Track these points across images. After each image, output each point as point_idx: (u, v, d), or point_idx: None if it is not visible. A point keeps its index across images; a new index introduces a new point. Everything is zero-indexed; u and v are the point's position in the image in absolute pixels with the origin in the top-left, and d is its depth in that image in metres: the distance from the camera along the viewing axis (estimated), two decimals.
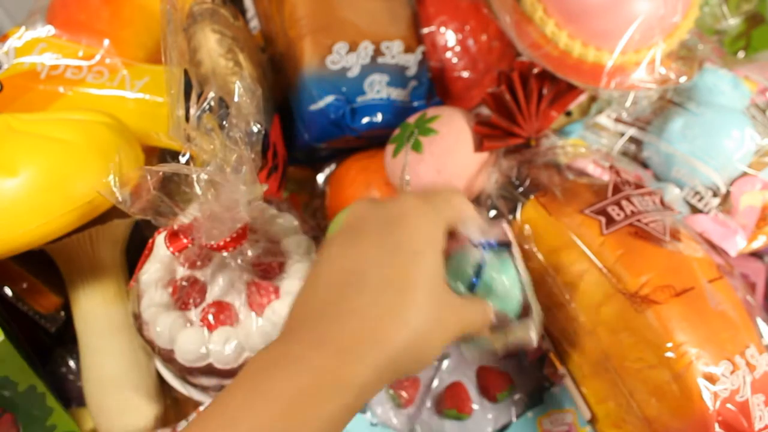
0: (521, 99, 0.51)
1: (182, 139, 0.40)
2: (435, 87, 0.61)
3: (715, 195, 0.53)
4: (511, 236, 0.41)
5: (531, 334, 0.40)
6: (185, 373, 0.48)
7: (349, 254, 0.32)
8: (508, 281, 0.39)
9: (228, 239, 0.42)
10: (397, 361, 0.30)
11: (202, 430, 0.29)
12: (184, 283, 0.47)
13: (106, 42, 0.56)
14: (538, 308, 0.41)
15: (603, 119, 0.59)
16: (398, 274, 0.31)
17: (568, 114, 0.62)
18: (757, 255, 0.58)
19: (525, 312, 0.40)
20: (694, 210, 0.54)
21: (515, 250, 0.41)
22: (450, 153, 0.52)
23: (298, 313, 0.32)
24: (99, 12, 0.57)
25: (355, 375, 0.29)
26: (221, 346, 0.45)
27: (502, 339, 0.40)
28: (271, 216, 0.50)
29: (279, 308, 0.45)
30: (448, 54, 0.62)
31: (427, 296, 0.31)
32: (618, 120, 0.59)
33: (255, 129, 0.41)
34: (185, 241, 0.42)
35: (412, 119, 0.54)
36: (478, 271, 0.38)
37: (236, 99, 0.40)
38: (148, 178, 0.38)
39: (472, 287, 0.38)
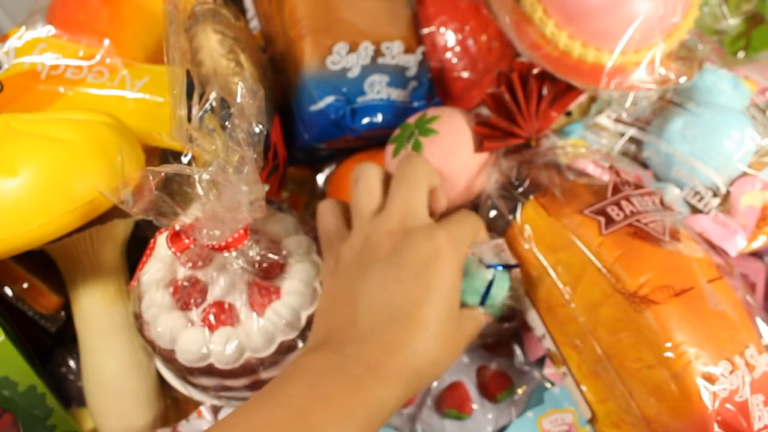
0: (521, 99, 0.51)
1: (185, 139, 0.40)
2: (435, 87, 0.61)
3: (715, 195, 0.53)
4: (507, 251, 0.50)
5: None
6: (186, 373, 0.48)
7: (392, 289, 0.38)
8: (504, 294, 0.47)
9: (229, 239, 0.42)
10: (418, 386, 0.37)
11: (271, 420, 0.33)
12: (185, 284, 0.47)
13: (106, 42, 0.56)
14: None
15: (603, 119, 0.59)
16: (433, 313, 0.37)
17: (568, 114, 0.62)
18: (757, 255, 0.58)
19: (509, 317, 0.50)
20: (694, 210, 0.54)
21: (516, 270, 0.49)
22: (450, 153, 0.52)
23: (340, 329, 0.38)
24: (99, 12, 0.57)
25: (392, 398, 0.35)
26: (222, 347, 0.45)
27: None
28: (272, 216, 0.50)
29: (280, 308, 0.45)
30: (448, 54, 0.62)
31: (450, 331, 0.38)
32: (618, 120, 0.59)
33: (257, 130, 0.41)
34: (187, 241, 0.42)
35: (412, 119, 0.54)
36: (488, 287, 0.46)
37: (238, 100, 0.41)
38: (150, 178, 0.38)
39: (482, 301, 0.46)
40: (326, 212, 0.44)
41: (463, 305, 0.48)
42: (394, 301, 0.37)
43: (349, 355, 0.36)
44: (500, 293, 0.47)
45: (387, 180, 0.43)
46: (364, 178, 0.42)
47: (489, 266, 0.47)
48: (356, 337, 0.37)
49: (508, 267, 0.48)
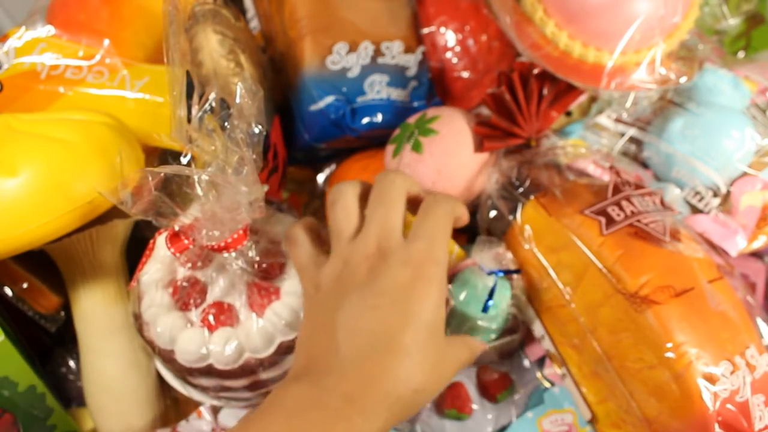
0: (521, 99, 0.51)
1: (184, 140, 0.40)
2: (435, 87, 0.61)
3: (715, 195, 0.53)
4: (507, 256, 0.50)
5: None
6: (185, 373, 0.48)
7: (370, 316, 0.36)
8: (507, 302, 0.48)
9: (229, 240, 0.42)
10: (402, 415, 0.36)
11: None
12: (184, 284, 0.47)
13: (106, 42, 0.56)
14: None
15: (603, 119, 0.59)
16: (415, 339, 0.36)
17: (568, 114, 0.62)
18: (757, 255, 0.58)
19: (513, 328, 0.50)
20: (695, 210, 0.54)
21: (517, 277, 0.49)
22: (450, 153, 0.52)
23: (321, 359, 0.37)
24: (99, 12, 0.57)
25: (373, 429, 0.34)
26: (221, 347, 0.45)
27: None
28: (272, 216, 0.50)
29: (279, 309, 0.45)
30: (448, 54, 0.62)
31: (435, 357, 0.37)
32: (618, 120, 0.59)
33: (256, 130, 0.41)
34: (186, 242, 0.42)
35: (412, 119, 0.54)
36: (491, 294, 0.46)
37: (238, 100, 0.40)
38: (150, 179, 0.38)
39: (485, 309, 0.47)
40: (297, 239, 0.42)
41: (466, 317, 0.48)
42: (374, 329, 0.36)
43: (327, 387, 0.35)
44: (503, 300, 0.47)
45: (365, 195, 0.42)
46: (341, 200, 0.41)
47: (490, 273, 0.47)
48: (335, 367, 0.36)
49: (508, 272, 0.48)
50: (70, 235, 0.47)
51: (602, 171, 0.52)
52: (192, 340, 0.45)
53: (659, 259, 0.44)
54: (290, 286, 0.47)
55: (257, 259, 0.46)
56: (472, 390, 0.54)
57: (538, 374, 0.54)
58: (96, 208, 0.46)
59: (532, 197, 0.50)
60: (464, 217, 0.42)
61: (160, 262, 0.48)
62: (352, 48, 0.58)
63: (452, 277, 0.50)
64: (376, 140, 0.59)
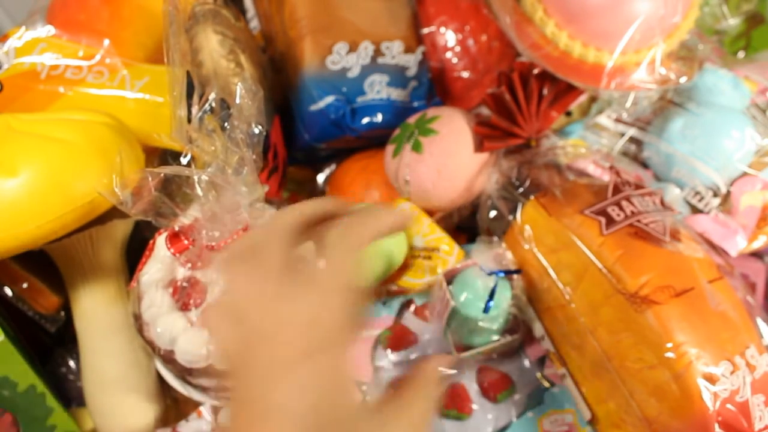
0: (521, 99, 0.51)
1: (184, 140, 0.40)
2: (435, 87, 0.61)
3: (715, 195, 0.53)
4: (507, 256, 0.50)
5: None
6: (185, 373, 0.48)
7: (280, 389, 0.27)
8: (507, 302, 0.48)
9: (229, 240, 0.42)
10: None
11: None
12: (184, 284, 0.47)
13: (106, 42, 0.56)
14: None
15: (603, 119, 0.59)
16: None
17: (568, 114, 0.62)
18: (757, 255, 0.58)
19: (513, 328, 0.51)
20: (695, 210, 0.54)
21: (516, 276, 0.49)
22: (450, 153, 0.52)
23: None
24: (99, 12, 0.57)
25: None
26: None
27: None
28: None
29: None
30: (448, 54, 0.62)
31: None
32: (618, 120, 0.59)
33: (256, 130, 0.41)
34: (186, 242, 0.42)
35: (412, 119, 0.54)
36: (491, 295, 0.47)
37: (237, 100, 0.40)
38: (149, 179, 0.38)
39: (486, 309, 0.47)
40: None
41: (467, 318, 0.48)
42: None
43: None
44: (503, 301, 0.47)
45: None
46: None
47: (490, 273, 0.48)
48: None
49: (509, 273, 0.48)
50: (70, 235, 0.47)
51: (602, 171, 0.52)
52: (192, 341, 0.45)
53: (659, 259, 0.44)
54: None
55: None
56: (472, 390, 0.54)
57: (538, 374, 0.54)
58: (96, 208, 0.46)
59: (532, 197, 0.50)
60: (398, 225, 0.31)
61: (160, 262, 0.48)
62: (352, 48, 0.58)
63: (452, 277, 0.50)
64: (376, 140, 0.59)
